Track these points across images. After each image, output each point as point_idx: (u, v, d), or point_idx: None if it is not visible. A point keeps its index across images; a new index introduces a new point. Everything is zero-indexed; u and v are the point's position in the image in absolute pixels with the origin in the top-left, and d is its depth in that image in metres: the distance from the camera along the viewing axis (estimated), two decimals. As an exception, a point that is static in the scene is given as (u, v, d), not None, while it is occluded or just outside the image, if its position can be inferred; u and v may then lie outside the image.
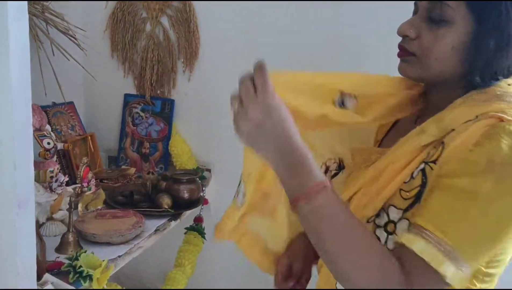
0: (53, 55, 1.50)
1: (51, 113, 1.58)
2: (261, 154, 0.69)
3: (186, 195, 1.42)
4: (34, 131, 1.20)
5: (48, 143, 1.19)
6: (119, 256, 1.12)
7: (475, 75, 0.73)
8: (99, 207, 1.35)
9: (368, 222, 0.74)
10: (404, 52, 0.77)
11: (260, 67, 0.66)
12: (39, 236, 1.11)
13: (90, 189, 1.37)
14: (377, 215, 0.73)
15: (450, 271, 0.63)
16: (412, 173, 0.71)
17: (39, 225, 1.20)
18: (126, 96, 1.72)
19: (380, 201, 0.73)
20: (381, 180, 0.74)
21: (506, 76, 0.75)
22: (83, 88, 1.77)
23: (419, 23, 0.75)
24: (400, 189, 0.72)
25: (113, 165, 1.75)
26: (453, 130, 0.70)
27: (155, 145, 1.70)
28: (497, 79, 0.74)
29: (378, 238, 0.73)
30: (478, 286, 0.72)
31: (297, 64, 0.93)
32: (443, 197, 0.66)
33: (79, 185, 1.34)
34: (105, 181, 1.56)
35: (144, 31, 1.67)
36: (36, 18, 1.45)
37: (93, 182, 1.38)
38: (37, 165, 1.20)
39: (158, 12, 1.64)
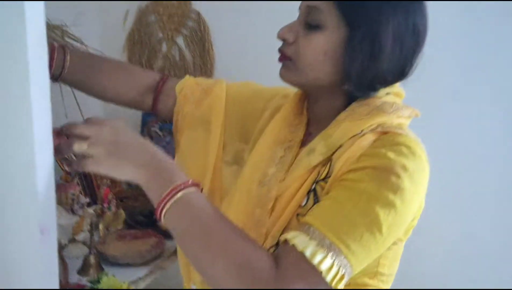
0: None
1: (71, 135, 1.61)
2: (123, 172, 0.67)
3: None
4: (55, 154, 1.23)
5: (69, 166, 1.22)
6: (140, 278, 1.14)
7: (351, 83, 0.73)
8: (120, 227, 1.37)
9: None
10: (282, 57, 0.77)
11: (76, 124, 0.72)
12: (62, 259, 1.13)
13: (110, 210, 1.39)
14: (277, 244, 0.72)
15: (325, 266, 0.61)
16: (308, 195, 0.71)
17: (61, 247, 1.22)
18: (144, 115, 1.74)
19: (277, 231, 0.72)
20: (276, 208, 0.74)
21: (384, 85, 0.75)
22: (103, 108, 1.81)
23: (298, 27, 0.75)
24: (297, 214, 0.72)
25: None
26: (341, 146, 0.71)
27: (173, 163, 1.72)
28: (375, 89, 0.75)
29: None
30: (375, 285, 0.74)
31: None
32: (332, 196, 0.67)
33: (100, 206, 1.36)
34: (125, 200, 1.58)
35: (160, 51, 1.69)
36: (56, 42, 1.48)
37: (113, 202, 1.40)
38: (58, 188, 1.22)
39: (173, 32, 1.67)
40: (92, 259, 1.13)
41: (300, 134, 0.81)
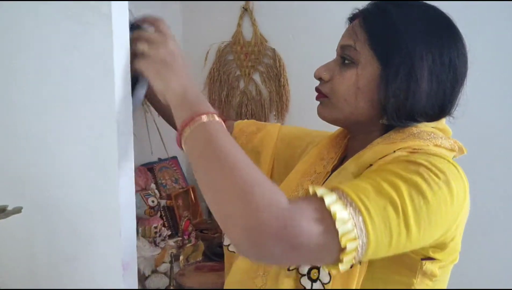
0: (159, 116, 1.65)
1: (157, 168, 1.72)
2: (160, 84, 0.71)
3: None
4: (140, 190, 1.33)
5: (153, 201, 1.31)
6: (216, 311, 1.18)
7: (388, 118, 0.73)
8: (199, 259, 1.43)
9: (289, 270, 0.72)
10: (319, 94, 0.79)
11: (157, 18, 0.76)
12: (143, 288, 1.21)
13: (190, 242, 1.46)
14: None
15: (341, 215, 0.56)
16: None
17: (144, 278, 1.30)
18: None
19: None
20: None
21: (423, 120, 0.74)
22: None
23: (334, 66, 0.78)
24: None
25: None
26: (371, 165, 0.69)
27: (251, 195, 1.76)
28: (416, 120, 0.73)
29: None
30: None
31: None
32: (370, 181, 0.63)
33: (181, 237, 1.44)
34: (205, 232, 1.65)
35: (238, 88, 1.77)
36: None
37: (193, 234, 1.47)
38: (142, 222, 1.32)
39: (250, 69, 1.74)
40: (171, 292, 1.19)
41: (330, 167, 0.83)
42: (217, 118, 0.66)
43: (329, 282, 0.71)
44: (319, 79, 0.80)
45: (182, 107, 0.68)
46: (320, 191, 0.59)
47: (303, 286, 0.72)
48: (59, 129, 0.81)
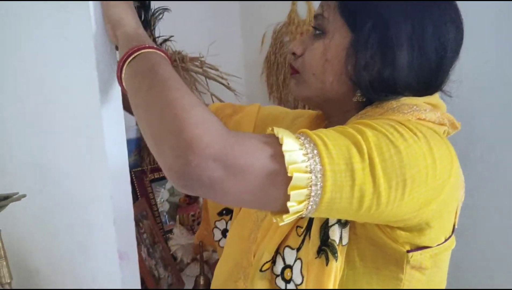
0: (213, 102, 1.64)
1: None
2: (110, 15, 0.68)
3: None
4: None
5: (189, 190, 1.30)
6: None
7: (363, 92, 0.63)
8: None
9: (262, 271, 0.65)
10: (292, 70, 0.72)
11: None
12: (177, 277, 1.22)
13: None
14: (273, 261, 0.63)
15: (289, 144, 0.50)
16: None
17: (184, 265, 1.31)
18: (283, 135, 1.75)
19: (275, 242, 0.64)
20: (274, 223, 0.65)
21: (412, 93, 0.64)
22: (247, 130, 1.88)
23: (307, 39, 0.70)
24: (297, 226, 0.62)
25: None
26: None
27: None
28: (400, 94, 0.64)
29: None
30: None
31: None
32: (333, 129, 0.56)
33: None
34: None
35: (295, 70, 1.68)
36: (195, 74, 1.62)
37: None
38: (180, 210, 1.32)
39: (306, 50, 1.64)
40: (201, 281, 1.18)
41: None
42: (156, 51, 0.62)
43: (301, 283, 0.63)
44: (293, 54, 0.72)
45: (124, 43, 0.65)
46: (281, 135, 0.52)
47: (278, 286, 0.66)
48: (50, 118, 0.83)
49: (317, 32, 0.68)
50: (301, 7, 1.62)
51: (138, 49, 0.61)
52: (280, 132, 0.52)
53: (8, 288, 0.82)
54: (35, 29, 0.78)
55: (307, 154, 0.50)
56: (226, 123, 0.95)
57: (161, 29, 1.56)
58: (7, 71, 0.86)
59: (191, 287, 1.21)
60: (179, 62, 1.55)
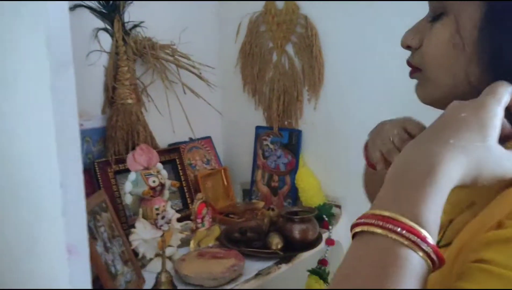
0: (185, 93, 1.58)
1: (186, 149, 1.66)
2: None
3: (297, 236, 1.30)
4: (142, 169, 1.27)
5: (154, 181, 1.24)
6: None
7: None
8: (210, 244, 1.34)
9: None
10: (412, 70, 0.56)
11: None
12: (138, 274, 1.15)
13: (204, 226, 1.37)
14: None
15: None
16: None
17: (147, 261, 1.24)
18: (257, 128, 1.70)
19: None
20: None
21: None
22: (221, 122, 1.82)
23: (423, 26, 0.54)
24: None
25: (248, 198, 1.74)
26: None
27: (283, 178, 1.63)
28: None
29: None
30: None
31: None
32: None
33: (193, 221, 1.36)
34: (231, 216, 1.56)
35: (271, 61, 1.63)
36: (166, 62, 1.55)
37: (207, 218, 1.38)
38: (143, 202, 1.26)
39: (283, 41, 1.59)
40: (163, 277, 1.11)
41: None
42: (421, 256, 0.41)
43: None
44: (407, 48, 0.58)
45: (387, 195, 0.46)
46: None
47: None
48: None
49: (436, 14, 0.53)
50: (278, -4, 1.57)
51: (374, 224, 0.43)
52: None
53: None
54: None
55: None
56: None
57: (131, 13, 1.50)
58: None
59: (151, 285, 1.15)
60: (149, 49, 1.48)
